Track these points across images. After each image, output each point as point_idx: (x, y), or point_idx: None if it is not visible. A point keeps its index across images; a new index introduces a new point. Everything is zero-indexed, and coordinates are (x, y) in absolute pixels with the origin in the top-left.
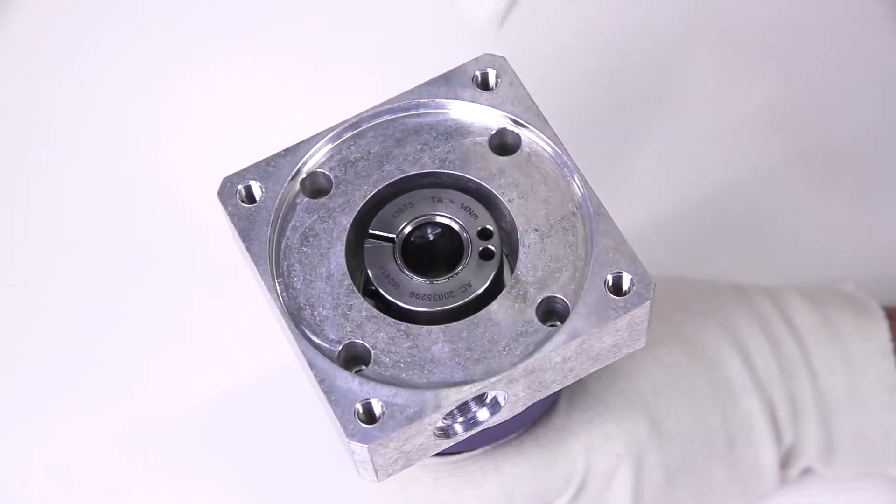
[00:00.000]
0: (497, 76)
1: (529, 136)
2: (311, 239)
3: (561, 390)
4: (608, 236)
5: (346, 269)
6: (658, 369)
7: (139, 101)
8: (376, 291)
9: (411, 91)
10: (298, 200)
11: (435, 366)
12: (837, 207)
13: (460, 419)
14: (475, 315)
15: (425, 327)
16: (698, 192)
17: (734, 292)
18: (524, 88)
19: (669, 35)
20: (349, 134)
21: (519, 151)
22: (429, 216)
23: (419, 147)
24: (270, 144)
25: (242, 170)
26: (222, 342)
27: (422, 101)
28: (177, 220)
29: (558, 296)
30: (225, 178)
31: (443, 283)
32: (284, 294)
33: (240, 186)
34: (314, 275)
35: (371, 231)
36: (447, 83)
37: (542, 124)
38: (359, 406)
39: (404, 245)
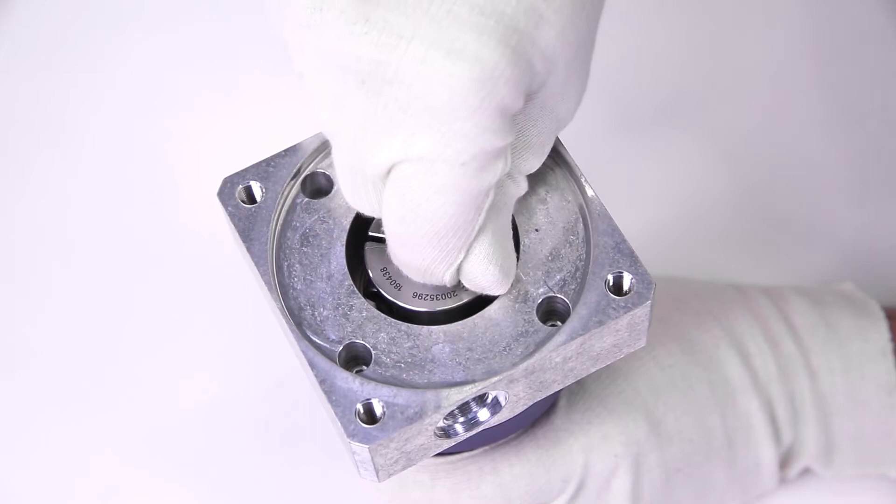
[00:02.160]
0: None
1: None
2: (311, 239)
3: (560, 390)
4: (608, 236)
5: (346, 269)
6: (657, 369)
7: (139, 101)
8: (377, 292)
9: None
10: (298, 201)
11: (435, 366)
12: (837, 207)
13: (461, 419)
14: (476, 315)
15: (426, 327)
16: (698, 192)
17: (733, 292)
18: None
19: (671, 37)
20: None
21: None
22: None
23: None
24: (270, 144)
25: (242, 170)
26: (222, 342)
27: None
28: (177, 221)
29: (559, 296)
30: (225, 179)
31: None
32: (285, 294)
33: (240, 187)
34: (314, 275)
35: (370, 234)
36: None
37: None
38: (359, 406)
39: None
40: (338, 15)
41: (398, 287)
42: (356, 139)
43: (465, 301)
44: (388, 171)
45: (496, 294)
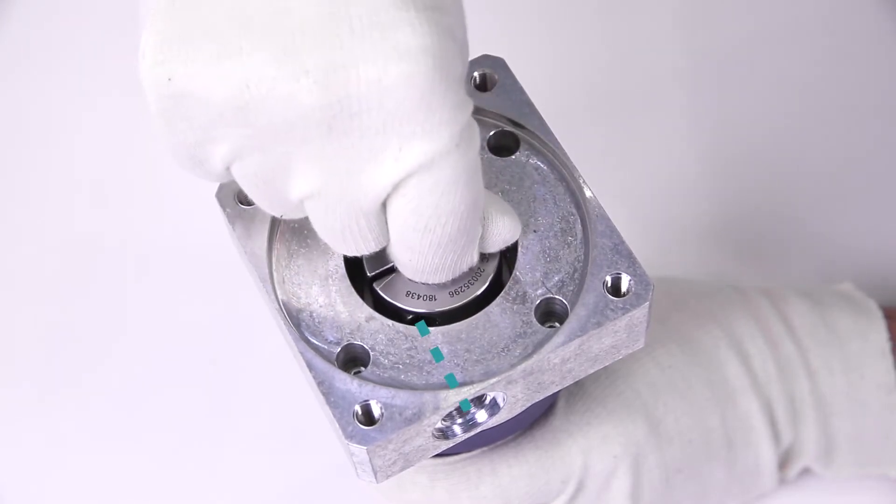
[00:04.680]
0: (495, 77)
1: (527, 138)
2: (309, 241)
3: (559, 392)
4: (607, 237)
5: (344, 270)
6: (657, 370)
7: (138, 100)
8: (375, 293)
9: None
10: None
11: (434, 367)
12: (836, 208)
13: (459, 420)
14: (474, 316)
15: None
16: (697, 193)
17: (733, 293)
18: (522, 89)
19: (670, 36)
20: None
21: (517, 153)
22: None
23: None
24: None
25: None
26: (220, 344)
27: None
28: (175, 222)
29: (557, 297)
30: None
31: (442, 284)
32: (283, 295)
33: (239, 188)
34: (313, 276)
35: (371, 274)
36: None
37: (541, 125)
38: (357, 408)
39: None
40: (272, 82)
41: (434, 298)
42: (343, 187)
43: (462, 302)
44: (386, 199)
45: (516, 239)
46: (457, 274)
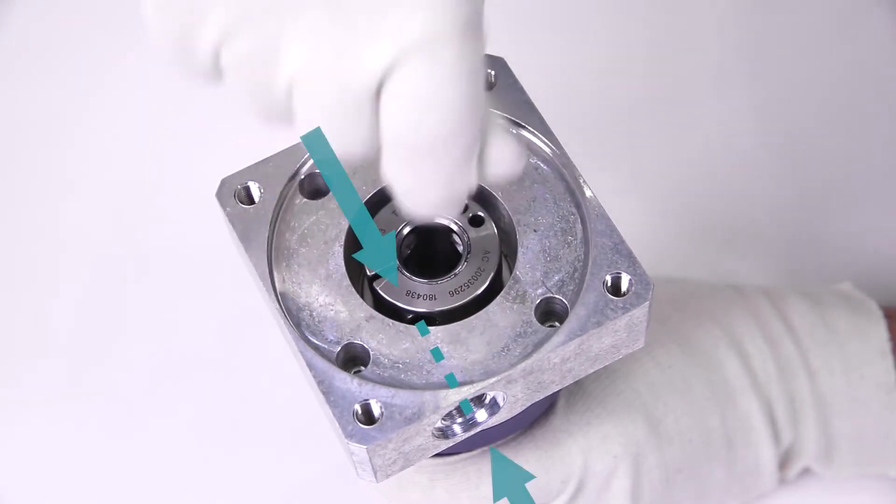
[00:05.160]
0: (496, 77)
1: (528, 137)
2: (309, 240)
3: (559, 391)
4: (607, 237)
5: (344, 269)
6: (656, 370)
7: (138, 101)
8: (375, 292)
9: None
10: (297, 201)
11: (434, 367)
12: (836, 208)
13: (459, 420)
14: (474, 316)
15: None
16: (697, 192)
17: (732, 293)
18: (522, 89)
19: (669, 36)
20: None
21: None
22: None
23: None
24: (269, 145)
25: (241, 171)
26: (220, 344)
27: None
28: (175, 221)
29: (557, 296)
30: (223, 179)
31: (442, 283)
32: (283, 295)
33: (238, 187)
34: (313, 276)
35: (370, 274)
36: None
37: (541, 125)
38: (357, 407)
39: (402, 246)
40: None
41: (434, 298)
42: (335, 66)
43: (462, 302)
44: (380, 87)
45: (517, 173)
46: (454, 199)
